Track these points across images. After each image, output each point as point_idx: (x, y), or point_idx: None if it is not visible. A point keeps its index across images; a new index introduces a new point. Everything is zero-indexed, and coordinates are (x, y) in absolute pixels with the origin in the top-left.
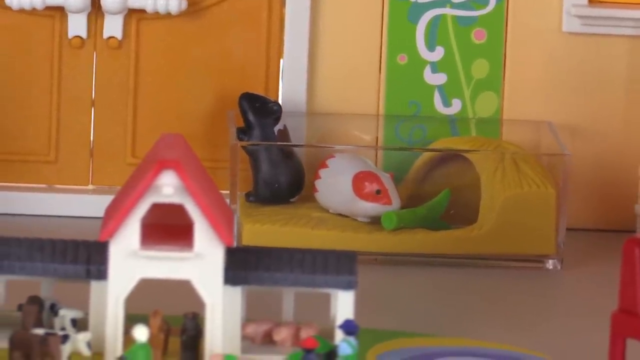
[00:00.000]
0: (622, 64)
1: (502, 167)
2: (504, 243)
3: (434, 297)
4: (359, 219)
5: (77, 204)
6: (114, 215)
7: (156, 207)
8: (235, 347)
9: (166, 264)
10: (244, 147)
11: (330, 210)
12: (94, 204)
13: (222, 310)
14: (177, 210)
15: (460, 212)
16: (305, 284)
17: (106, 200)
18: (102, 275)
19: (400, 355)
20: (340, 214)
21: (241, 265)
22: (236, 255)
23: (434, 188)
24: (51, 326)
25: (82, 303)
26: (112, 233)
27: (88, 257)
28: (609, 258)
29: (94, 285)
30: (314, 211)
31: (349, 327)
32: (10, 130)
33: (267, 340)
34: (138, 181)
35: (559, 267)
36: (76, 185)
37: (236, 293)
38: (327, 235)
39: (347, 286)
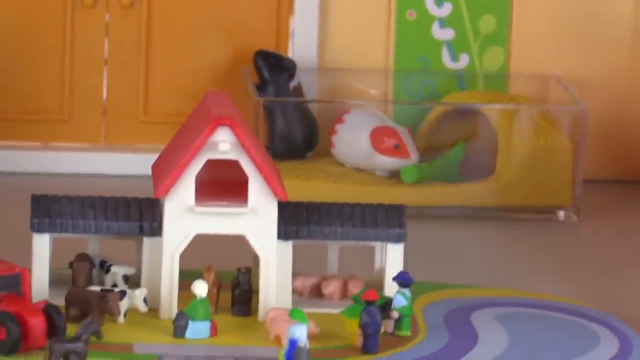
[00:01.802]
0: (628, 16)
1: (518, 121)
2: (521, 195)
3: (458, 250)
4: (376, 173)
5: (90, 162)
6: (169, 172)
7: (209, 163)
8: (286, 301)
9: (221, 220)
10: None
11: (347, 165)
12: (106, 162)
13: (275, 264)
14: (229, 166)
15: (474, 165)
16: (355, 238)
17: (118, 158)
18: (155, 231)
19: (447, 306)
20: (357, 169)
21: (292, 219)
22: (286, 209)
23: (447, 142)
24: (102, 283)
25: (127, 259)
26: (167, 190)
27: (140, 214)
28: (626, 209)
29: (147, 241)
30: (331, 166)
31: (403, 279)
32: (24, 89)
33: (315, 294)
34: (191, 138)
35: (575, 219)
36: (89, 143)
37: (287, 247)
38: (349, 189)
39: (397, 239)
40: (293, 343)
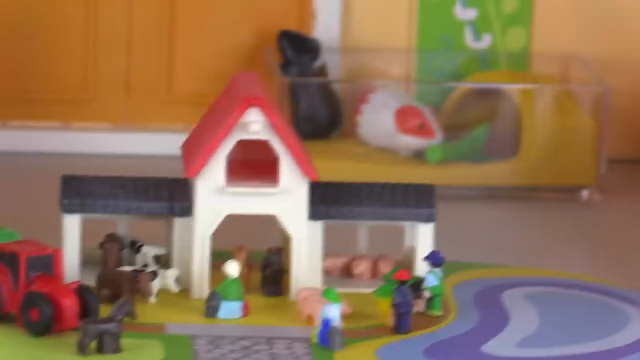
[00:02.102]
0: None
1: (541, 100)
2: (545, 175)
3: (483, 229)
4: (401, 153)
5: (112, 142)
6: (200, 153)
7: (239, 144)
8: (316, 280)
9: (252, 200)
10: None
11: (372, 145)
12: (129, 142)
13: (306, 244)
14: (260, 147)
15: (498, 145)
16: (385, 218)
17: (141, 138)
18: (185, 212)
19: (476, 286)
20: (382, 149)
21: (322, 199)
22: (316, 190)
23: (469, 122)
24: (131, 263)
25: (155, 240)
26: (198, 170)
27: (170, 195)
28: None
29: (177, 222)
30: (355, 146)
31: (435, 259)
32: (47, 69)
33: (345, 274)
34: (222, 119)
35: (599, 198)
36: (112, 123)
37: (317, 227)
38: (374, 169)
39: (427, 218)
40: (326, 323)
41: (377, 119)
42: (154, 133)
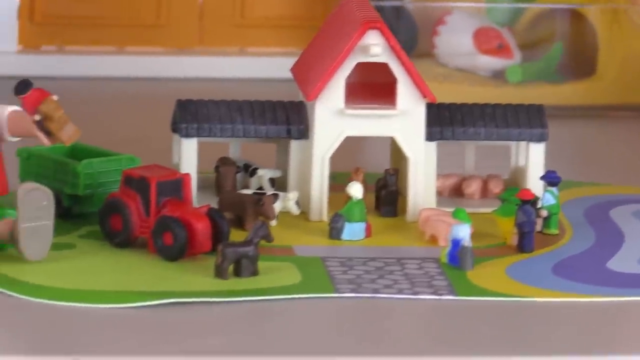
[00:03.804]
0: None
1: (617, 21)
2: (624, 93)
3: (573, 148)
4: (480, 73)
5: (184, 65)
6: (318, 76)
7: (356, 67)
8: (431, 200)
9: (371, 122)
10: None
11: (450, 66)
12: (201, 65)
13: (423, 165)
14: (376, 69)
15: (573, 65)
16: (498, 138)
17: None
18: (302, 134)
19: (584, 204)
20: (460, 69)
21: (436, 121)
22: (430, 111)
23: (543, 43)
24: (246, 186)
25: (263, 163)
26: (318, 93)
27: (287, 117)
28: None
29: (294, 144)
30: (434, 67)
31: (552, 178)
32: None
33: (455, 194)
34: (339, 42)
35: None
36: (185, 47)
37: (432, 148)
38: (455, 89)
39: (539, 138)
40: (457, 243)
41: (455, 40)
42: (228, 56)
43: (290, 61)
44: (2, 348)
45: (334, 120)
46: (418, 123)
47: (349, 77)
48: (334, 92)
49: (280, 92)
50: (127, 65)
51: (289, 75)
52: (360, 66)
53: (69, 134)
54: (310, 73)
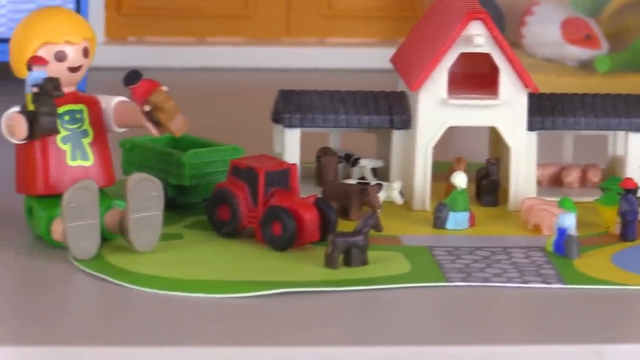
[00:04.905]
0: None
1: None
2: None
3: None
4: (568, 63)
5: (273, 56)
6: (421, 66)
7: (459, 57)
8: (531, 190)
9: (474, 112)
10: None
11: (538, 56)
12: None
13: (525, 154)
14: (478, 59)
15: None
16: (598, 128)
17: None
18: (405, 124)
19: None
20: (547, 60)
21: (537, 110)
22: (530, 101)
23: (629, 33)
24: (347, 176)
25: (362, 152)
26: (422, 83)
27: (389, 108)
28: None
29: (397, 134)
30: (521, 57)
31: None
32: None
33: (554, 183)
34: (442, 32)
35: None
36: (273, 37)
37: (533, 138)
38: (545, 80)
39: (639, 128)
40: (562, 232)
41: (542, 31)
42: (316, 47)
43: (375, 52)
44: (118, 339)
45: (437, 110)
46: (520, 113)
47: (451, 67)
48: (437, 83)
49: (366, 82)
50: (211, 55)
51: (376, 65)
52: (462, 56)
53: (178, 125)
54: (412, 63)
